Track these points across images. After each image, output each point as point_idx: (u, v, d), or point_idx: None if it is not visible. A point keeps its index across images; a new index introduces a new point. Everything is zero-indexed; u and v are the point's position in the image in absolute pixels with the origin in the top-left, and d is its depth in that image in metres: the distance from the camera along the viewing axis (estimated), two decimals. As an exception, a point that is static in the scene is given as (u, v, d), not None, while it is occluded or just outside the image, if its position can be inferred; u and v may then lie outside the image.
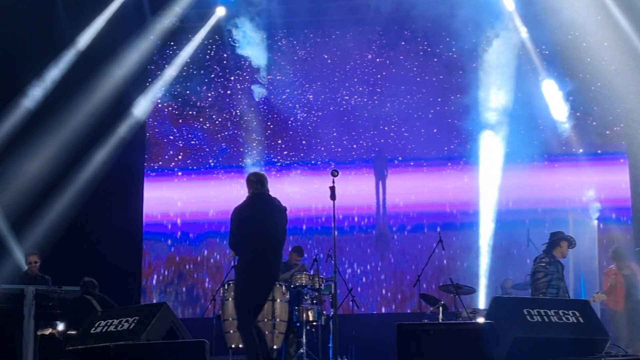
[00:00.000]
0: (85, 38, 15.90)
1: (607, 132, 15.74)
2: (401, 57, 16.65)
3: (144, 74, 16.68)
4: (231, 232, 9.23)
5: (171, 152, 16.86)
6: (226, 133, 16.74)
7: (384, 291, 15.86)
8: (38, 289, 12.23)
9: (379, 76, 16.69)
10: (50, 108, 15.35)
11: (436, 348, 6.96)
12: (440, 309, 12.55)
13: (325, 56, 16.87)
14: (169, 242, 16.49)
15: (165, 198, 16.66)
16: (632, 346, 11.67)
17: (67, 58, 15.79)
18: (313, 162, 16.47)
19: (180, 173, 16.76)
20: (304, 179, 16.27)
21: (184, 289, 16.27)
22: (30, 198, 14.86)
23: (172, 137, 16.88)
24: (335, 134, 16.48)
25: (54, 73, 15.67)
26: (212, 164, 16.73)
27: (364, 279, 15.90)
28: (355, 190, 16.07)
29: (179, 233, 16.50)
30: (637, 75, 14.88)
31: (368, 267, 16.00)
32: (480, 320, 10.88)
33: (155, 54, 16.75)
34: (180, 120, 16.88)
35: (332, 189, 9.98)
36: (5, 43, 14.55)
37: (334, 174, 10.11)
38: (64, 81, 15.65)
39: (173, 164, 16.81)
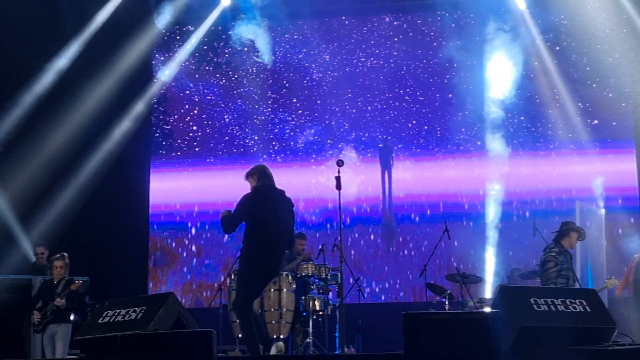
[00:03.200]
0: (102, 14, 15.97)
1: (623, 104, 15.69)
2: (419, 22, 16.73)
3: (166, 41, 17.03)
4: (232, 217, 9.33)
5: (187, 106, 16.90)
6: (242, 90, 16.74)
7: (390, 281, 15.86)
8: (45, 280, 12.27)
9: (395, 39, 16.68)
10: (58, 97, 15.38)
11: (443, 337, 6.96)
12: (447, 298, 12.57)
13: (343, 17, 16.95)
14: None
15: (177, 158, 16.78)
16: None
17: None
18: (327, 122, 16.51)
19: (195, 127, 16.81)
20: (319, 139, 16.44)
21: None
22: (37, 189, 14.88)
23: (187, 92, 16.91)
24: (350, 95, 16.51)
25: (71, 53, 15.73)
26: (227, 119, 16.76)
27: (370, 269, 15.89)
28: (368, 160, 16.26)
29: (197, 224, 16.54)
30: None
31: (374, 256, 16.01)
32: (487, 309, 10.92)
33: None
34: (197, 76, 16.92)
35: (338, 178, 9.97)
36: (14, 23, 14.59)
37: (339, 164, 10.09)
38: (73, 68, 15.69)
39: (188, 118, 16.87)
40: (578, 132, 15.67)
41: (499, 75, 15.88)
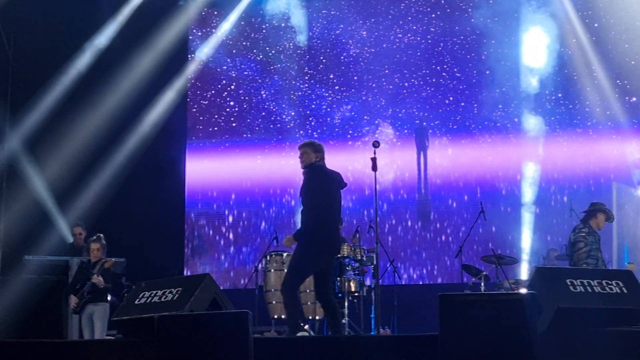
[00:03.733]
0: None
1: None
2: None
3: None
4: (317, 202, 9.43)
5: (224, 81, 16.96)
6: (278, 65, 16.77)
7: (425, 262, 15.84)
8: (83, 261, 12.36)
9: (433, 15, 16.60)
10: (96, 77, 15.49)
11: (478, 318, 6.94)
12: (483, 279, 12.54)
13: (380, -7, 16.91)
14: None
15: (214, 135, 16.88)
16: None
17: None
18: (364, 98, 16.48)
19: (232, 102, 16.87)
20: (355, 115, 16.44)
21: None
22: (76, 169, 15.00)
23: (225, 67, 16.97)
24: (387, 71, 16.48)
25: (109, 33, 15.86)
26: (264, 95, 16.81)
27: (406, 250, 15.87)
28: (404, 138, 16.27)
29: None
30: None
31: (409, 236, 15.98)
32: (523, 290, 10.88)
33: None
34: (234, 51, 16.97)
35: (374, 160, 9.96)
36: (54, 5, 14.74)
37: (375, 145, 10.08)
38: (110, 48, 15.81)
39: (225, 93, 16.92)
40: (615, 110, 15.53)
41: (535, 52, 15.79)
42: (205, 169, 16.65)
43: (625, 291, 7.73)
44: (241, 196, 16.46)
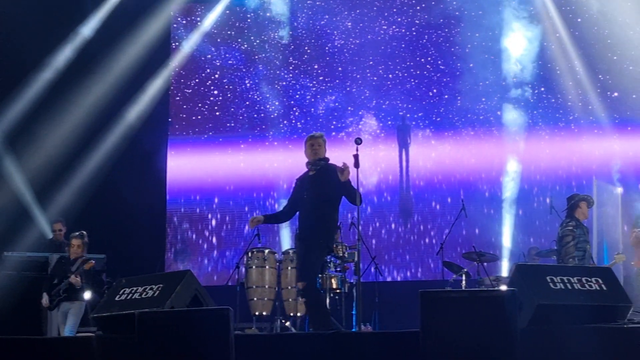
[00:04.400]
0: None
1: (634, 95, 15.59)
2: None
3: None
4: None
5: (208, 70, 16.94)
6: (263, 55, 16.78)
7: (407, 259, 15.85)
8: (62, 256, 12.30)
9: (417, 8, 16.65)
10: (76, 73, 15.41)
11: (459, 315, 6.96)
12: (464, 276, 12.57)
13: (366, -16, 16.94)
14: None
15: (197, 123, 16.87)
16: None
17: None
18: (348, 89, 16.52)
19: (216, 92, 16.89)
20: (339, 106, 16.49)
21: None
22: (55, 165, 14.93)
23: (209, 56, 16.97)
24: (371, 63, 16.52)
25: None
26: (248, 84, 16.80)
27: (386, 247, 15.88)
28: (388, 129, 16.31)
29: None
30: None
31: (391, 234, 15.99)
32: (503, 287, 10.91)
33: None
34: (218, 40, 16.96)
35: (356, 157, 9.94)
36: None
37: (358, 142, 10.06)
38: (92, 43, 15.74)
39: (209, 82, 16.91)
40: (597, 106, 15.59)
41: (518, 46, 15.85)
42: (187, 165, 16.61)
43: (604, 288, 7.77)
44: (224, 198, 16.43)
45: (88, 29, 15.76)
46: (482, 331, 6.88)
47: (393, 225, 15.99)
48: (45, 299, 11.55)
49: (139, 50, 15.87)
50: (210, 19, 16.91)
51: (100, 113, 15.46)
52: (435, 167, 16.01)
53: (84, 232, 11.95)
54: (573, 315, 7.46)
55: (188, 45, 16.91)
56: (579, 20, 15.85)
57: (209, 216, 16.45)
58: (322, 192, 9.53)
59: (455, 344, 6.89)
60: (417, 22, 16.58)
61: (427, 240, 15.84)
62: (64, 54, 15.56)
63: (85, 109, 15.38)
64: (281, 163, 16.04)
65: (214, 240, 16.34)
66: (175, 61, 16.91)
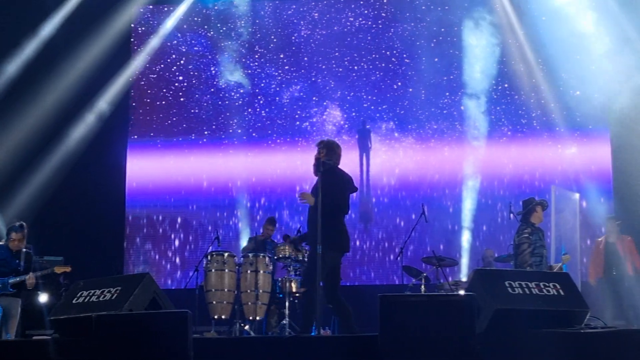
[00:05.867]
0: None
1: (596, 94, 15.71)
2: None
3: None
4: (341, 197, 9.53)
5: (174, 56, 16.91)
6: (229, 42, 16.76)
7: (366, 263, 15.87)
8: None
9: (384, 0, 16.78)
10: (32, 74, 15.26)
11: (418, 319, 6.98)
12: (423, 280, 12.61)
13: (334, -25, 16.99)
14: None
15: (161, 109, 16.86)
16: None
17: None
18: (313, 79, 16.61)
19: (181, 77, 16.85)
20: (304, 96, 16.59)
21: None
22: (12, 167, 14.77)
23: (175, 42, 16.95)
24: (337, 54, 16.62)
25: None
26: (213, 71, 16.76)
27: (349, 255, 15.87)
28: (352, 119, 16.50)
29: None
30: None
31: (350, 238, 15.96)
32: (462, 292, 10.96)
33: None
34: (185, 26, 16.92)
35: (318, 160, 9.92)
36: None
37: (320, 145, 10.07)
38: (51, 43, 15.59)
39: (175, 68, 16.86)
40: (554, 116, 15.71)
41: (482, 42, 16.00)
42: (146, 168, 16.51)
43: (562, 293, 7.83)
44: (183, 199, 16.36)
45: (49, 27, 15.59)
46: (440, 335, 6.90)
47: (355, 231, 15.99)
48: None
49: (99, 49, 15.74)
50: (176, 14, 16.85)
51: (57, 115, 15.30)
52: (397, 165, 16.11)
53: (24, 224, 11.61)
54: (531, 320, 7.50)
55: (156, 37, 16.87)
56: (544, 18, 15.93)
57: (168, 218, 16.34)
58: (316, 200, 9.43)
59: (414, 348, 6.91)
60: (384, 15, 16.72)
61: (386, 244, 15.87)
62: (26, 52, 15.41)
63: (44, 109, 15.22)
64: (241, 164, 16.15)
65: (176, 242, 16.25)
66: (140, 46, 16.88)
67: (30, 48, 15.46)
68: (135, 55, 16.79)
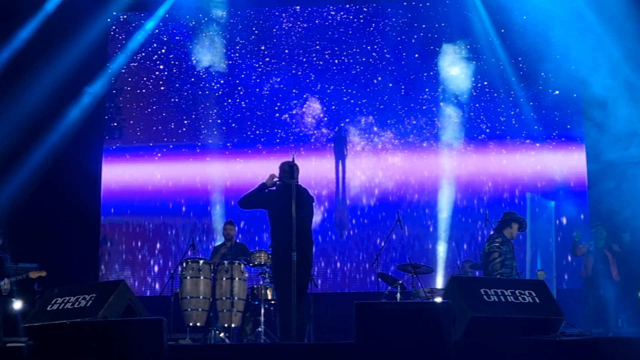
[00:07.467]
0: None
1: (568, 110, 15.80)
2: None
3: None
4: (252, 194, 9.93)
5: (155, 44, 16.88)
6: (211, 32, 16.68)
7: (342, 270, 15.87)
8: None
9: None
10: (6, 79, 15.18)
11: (394, 327, 6.99)
12: (399, 288, 12.62)
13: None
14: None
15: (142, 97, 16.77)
16: None
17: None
18: (293, 71, 16.60)
19: (162, 66, 16.82)
20: (284, 88, 16.55)
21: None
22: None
23: (156, 31, 16.90)
24: (318, 47, 16.64)
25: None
26: (194, 61, 16.70)
27: (321, 259, 15.87)
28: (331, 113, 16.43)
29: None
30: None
31: (326, 246, 16.00)
32: (438, 299, 10.98)
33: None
34: (166, 15, 16.86)
35: (291, 166, 9.94)
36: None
37: (293, 154, 10.12)
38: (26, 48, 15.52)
39: (155, 57, 16.83)
40: (530, 123, 15.79)
41: (462, 39, 16.09)
42: (122, 173, 16.41)
43: (537, 301, 7.87)
44: (160, 204, 16.28)
45: (24, 32, 15.52)
46: (416, 343, 6.92)
47: (329, 233, 16.00)
48: None
49: (73, 56, 15.68)
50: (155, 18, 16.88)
51: (31, 121, 15.20)
52: (372, 169, 16.12)
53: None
54: (506, 327, 7.54)
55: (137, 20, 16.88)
56: (525, 17, 15.99)
57: (144, 224, 16.27)
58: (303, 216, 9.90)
59: (390, 355, 6.91)
60: (365, 9, 16.76)
61: (363, 253, 15.88)
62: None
63: (18, 115, 15.13)
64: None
65: (150, 248, 16.18)
66: (121, 34, 16.87)
67: (3, 54, 15.38)
68: (112, 59, 16.70)
